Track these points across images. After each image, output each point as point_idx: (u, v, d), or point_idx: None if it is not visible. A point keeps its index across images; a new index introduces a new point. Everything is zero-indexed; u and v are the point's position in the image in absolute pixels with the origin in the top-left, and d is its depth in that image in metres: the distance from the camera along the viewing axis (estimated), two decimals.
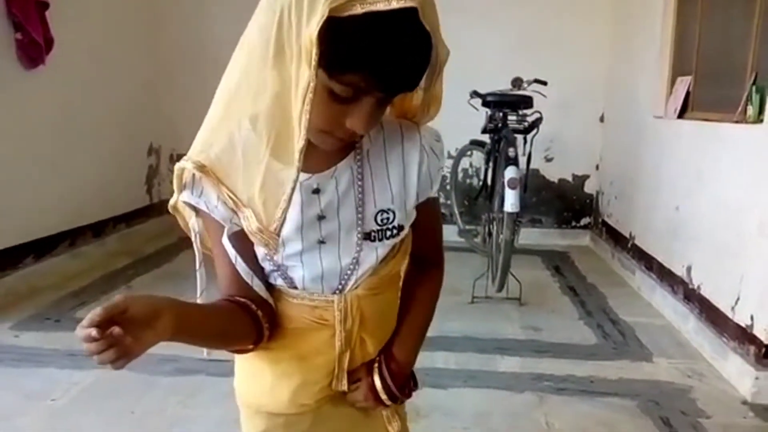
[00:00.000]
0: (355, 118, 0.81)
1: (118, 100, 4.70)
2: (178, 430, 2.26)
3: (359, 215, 0.93)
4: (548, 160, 5.17)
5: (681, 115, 3.62)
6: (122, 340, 0.69)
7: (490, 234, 3.91)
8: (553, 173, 5.23)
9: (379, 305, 1.01)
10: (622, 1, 4.81)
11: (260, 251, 0.94)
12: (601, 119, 5.16)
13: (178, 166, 0.90)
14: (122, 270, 4.21)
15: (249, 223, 0.86)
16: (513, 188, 3.34)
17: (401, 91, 0.83)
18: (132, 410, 2.40)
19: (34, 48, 3.61)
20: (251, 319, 0.91)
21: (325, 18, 0.72)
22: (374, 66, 0.75)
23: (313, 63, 0.74)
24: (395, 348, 1.05)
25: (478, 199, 4.42)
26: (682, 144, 3.54)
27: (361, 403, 1.04)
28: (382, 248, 0.96)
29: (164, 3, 5.18)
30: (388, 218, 0.95)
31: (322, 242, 0.93)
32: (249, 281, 0.93)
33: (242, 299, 0.92)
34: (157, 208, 5.29)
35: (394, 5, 0.73)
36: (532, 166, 4.07)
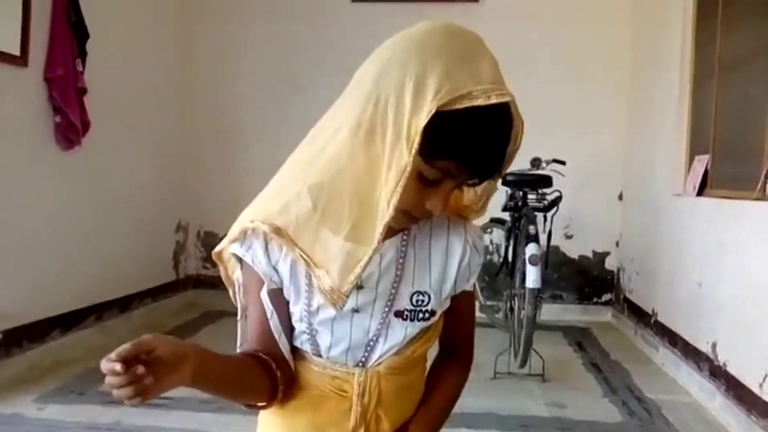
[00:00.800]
0: (435, 200, 0.88)
1: (148, 179, 4.86)
2: None
3: (393, 290, 0.97)
4: (568, 237, 5.20)
5: (700, 192, 3.66)
6: (143, 379, 0.73)
7: (512, 309, 3.92)
8: (573, 250, 5.26)
9: (399, 386, 1.02)
10: (638, 81, 4.95)
11: (298, 312, 0.96)
12: (620, 197, 5.21)
13: (248, 225, 0.93)
14: None
15: (322, 282, 0.89)
16: (534, 264, 3.38)
17: (486, 176, 0.90)
18: None
19: (71, 130, 3.79)
20: (269, 377, 0.94)
21: (432, 112, 0.80)
22: (469, 155, 0.84)
23: (414, 150, 0.81)
24: (412, 425, 1.04)
25: (499, 275, 4.45)
26: (702, 221, 3.57)
27: None
28: (411, 328, 0.98)
29: (194, 83, 5.41)
30: (422, 300, 0.98)
31: (355, 311, 0.96)
32: (277, 338, 0.96)
33: (264, 356, 0.95)
34: (183, 284, 5.38)
35: (493, 101, 0.81)
36: (553, 243, 4.10)
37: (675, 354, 3.79)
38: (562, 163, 3.98)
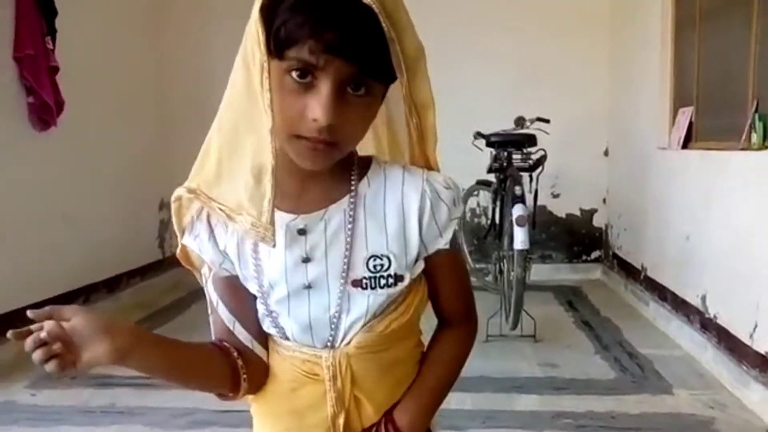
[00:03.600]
0: (313, 104, 0.77)
1: (128, 158, 4.78)
2: None
3: (346, 258, 0.88)
4: (555, 196, 5.19)
5: (685, 145, 3.65)
6: (50, 344, 0.73)
7: (501, 272, 3.91)
8: (560, 209, 5.25)
9: (379, 365, 0.93)
10: (620, 35, 4.90)
11: (257, 294, 0.91)
12: (606, 153, 5.20)
13: (173, 197, 0.91)
14: (136, 324, 4.21)
15: (243, 224, 0.83)
16: (521, 225, 3.36)
17: (352, 60, 0.76)
18: None
19: (45, 110, 3.70)
20: (228, 365, 0.90)
21: None
22: (314, 31, 0.74)
23: (261, 40, 0.76)
24: (396, 411, 0.96)
25: (487, 238, 4.43)
26: (688, 174, 3.56)
27: None
28: (374, 297, 0.89)
29: (171, 62, 5.31)
30: (382, 265, 0.88)
31: (308, 287, 0.89)
32: (231, 327, 0.92)
33: (225, 344, 0.92)
34: (169, 262, 5.32)
35: None
36: (539, 202, 4.09)
37: (665, 308, 3.81)
38: (546, 121, 3.94)
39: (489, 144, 3.96)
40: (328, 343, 0.91)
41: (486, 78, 4.98)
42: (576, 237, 5.30)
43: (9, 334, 0.74)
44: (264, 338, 0.94)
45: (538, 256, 5.11)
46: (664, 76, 4.00)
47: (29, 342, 0.73)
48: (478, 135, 4.00)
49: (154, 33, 5.21)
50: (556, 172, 4.91)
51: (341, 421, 0.93)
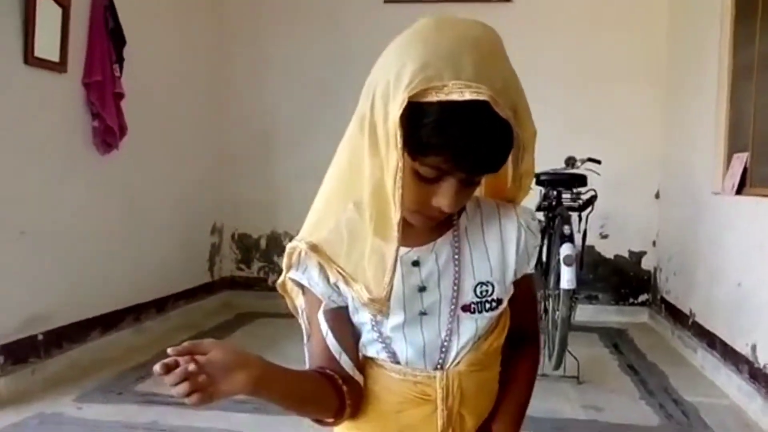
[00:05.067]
0: (440, 197, 0.87)
1: (184, 182, 4.94)
2: None
3: (455, 286, 0.97)
4: (603, 236, 5.14)
5: (739, 191, 3.58)
6: (196, 376, 0.75)
7: (545, 311, 3.88)
8: (609, 250, 5.19)
9: (480, 382, 1.01)
10: (675, 78, 4.87)
11: (368, 323, 0.98)
12: (657, 195, 5.13)
13: (290, 246, 0.97)
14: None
15: (360, 295, 0.91)
16: (569, 265, 3.34)
17: (483, 173, 0.89)
18: None
19: (109, 134, 3.87)
20: (335, 392, 0.94)
21: (405, 104, 0.80)
22: (452, 150, 0.82)
23: (399, 145, 0.82)
24: (495, 425, 1.04)
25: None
26: (741, 220, 3.50)
27: None
28: (481, 320, 0.98)
29: (228, 89, 5.48)
30: (487, 290, 0.98)
31: (423, 314, 0.96)
32: (338, 357, 0.96)
33: (330, 372, 0.95)
34: (218, 285, 5.45)
35: (467, 97, 0.80)
36: (588, 242, 4.05)
37: (713, 356, 3.71)
38: (597, 162, 3.94)
39: (539, 183, 3.96)
40: (438, 365, 0.98)
41: (538, 118, 4.92)
42: (624, 279, 5.21)
43: (156, 367, 0.74)
44: (360, 366, 1.00)
45: (585, 296, 5.04)
46: (719, 121, 3.95)
47: (178, 374, 0.74)
48: None
49: (218, 65, 5.41)
50: (606, 213, 4.86)
51: None
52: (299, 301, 1.03)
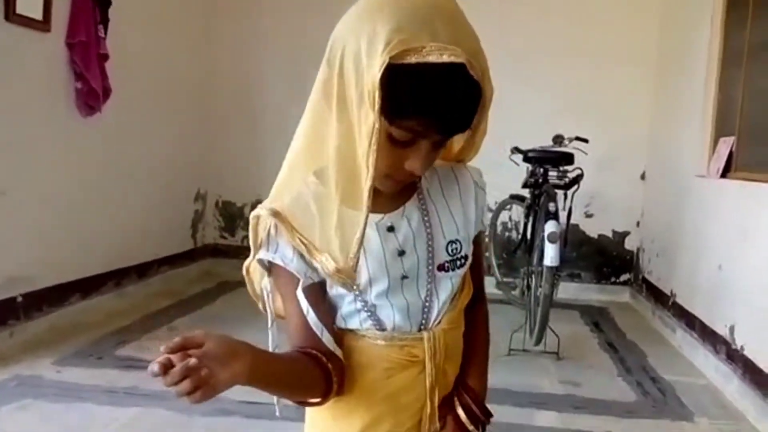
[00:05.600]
0: (413, 160, 0.88)
1: (167, 147, 4.88)
2: None
3: (430, 247, 0.99)
4: (588, 215, 5.16)
5: (724, 174, 3.60)
6: (198, 371, 0.70)
7: (528, 287, 3.90)
8: (593, 229, 5.21)
9: (456, 338, 1.06)
10: (665, 61, 4.87)
11: (350, 294, 0.97)
12: (642, 177, 5.15)
13: (252, 215, 0.95)
14: (164, 310, 4.29)
15: (326, 266, 0.90)
16: (553, 242, 3.35)
17: (456, 132, 0.91)
18: None
19: (92, 96, 3.79)
20: (321, 371, 0.93)
21: (385, 64, 0.79)
22: (430, 112, 0.82)
23: (377, 107, 0.81)
24: (470, 378, 1.08)
25: (517, 253, 4.42)
26: (725, 203, 3.52)
27: None
28: (455, 278, 1.01)
29: (215, 54, 5.40)
30: (456, 248, 1.01)
31: (404, 277, 0.98)
32: (319, 334, 0.94)
33: (313, 351, 0.93)
34: (201, 253, 5.42)
35: (445, 59, 0.80)
36: (573, 221, 4.07)
37: (692, 336, 3.76)
38: (585, 140, 3.93)
39: (526, 159, 3.96)
40: (422, 326, 1.00)
41: (528, 96, 4.94)
42: (606, 258, 5.25)
43: (153, 368, 0.69)
44: (338, 341, 0.98)
45: (567, 274, 5.07)
46: (707, 105, 3.96)
47: (179, 372, 0.69)
48: (516, 150, 4.00)
49: (206, 29, 5.32)
50: (592, 193, 4.88)
51: (437, 395, 1.02)
52: (264, 283, 1.00)
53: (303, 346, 0.94)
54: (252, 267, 1.02)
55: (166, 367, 0.70)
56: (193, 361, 0.70)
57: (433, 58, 0.80)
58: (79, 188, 3.89)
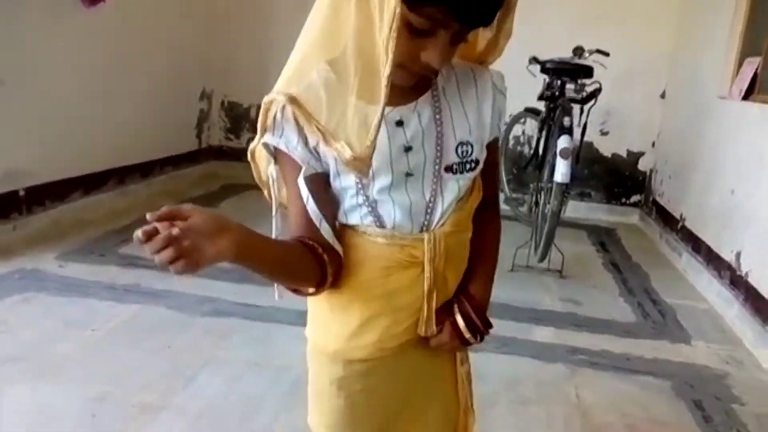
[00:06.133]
0: (430, 52, 0.84)
1: (174, 43, 4.73)
2: (209, 369, 2.30)
3: (438, 146, 0.95)
4: (604, 133, 5.03)
5: (746, 96, 3.46)
6: (180, 241, 0.71)
7: (536, 203, 3.84)
8: (607, 147, 5.10)
9: (461, 243, 1.04)
10: None
11: (352, 188, 0.95)
12: (662, 96, 4.98)
13: (266, 99, 0.91)
14: None
15: (342, 154, 0.86)
16: (565, 158, 3.26)
17: (477, 25, 0.86)
18: (168, 345, 2.45)
19: None
20: (316, 261, 0.92)
21: None
22: (458, 10, 0.79)
23: None
24: (472, 286, 1.07)
25: (528, 168, 4.33)
26: (744, 127, 3.40)
27: (447, 344, 1.06)
28: (462, 181, 0.98)
29: None
30: (467, 151, 0.97)
31: (409, 174, 0.95)
32: (318, 224, 0.94)
33: (310, 241, 0.93)
34: (205, 154, 5.36)
35: None
36: (587, 138, 3.95)
37: (697, 260, 3.72)
38: (606, 54, 3.76)
39: (543, 70, 3.80)
40: (424, 227, 0.98)
41: (548, 4, 4.73)
42: (618, 178, 5.16)
43: (137, 233, 0.69)
44: (338, 236, 0.98)
45: (577, 192, 5.01)
46: (735, 23, 3.76)
47: (159, 241, 0.70)
48: (534, 60, 3.84)
49: None
50: (609, 110, 4.75)
51: (434, 298, 1.01)
52: (270, 169, 0.98)
53: (301, 236, 0.94)
54: (258, 153, 1.00)
55: (151, 235, 0.70)
56: (176, 230, 0.71)
57: None
58: (82, 82, 3.79)
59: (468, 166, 0.98)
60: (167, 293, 2.92)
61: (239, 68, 5.27)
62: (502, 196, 4.67)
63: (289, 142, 0.92)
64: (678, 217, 4.23)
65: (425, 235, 0.98)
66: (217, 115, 5.43)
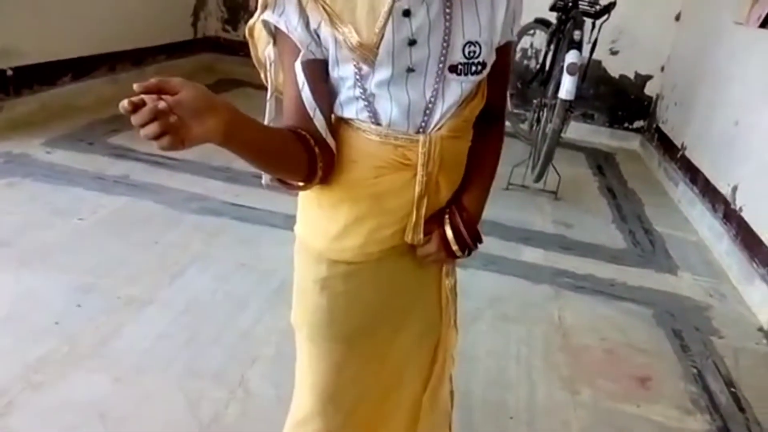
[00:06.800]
0: None
1: None
2: (197, 266, 2.30)
3: (445, 43, 0.89)
4: (613, 53, 4.88)
5: (764, 24, 3.32)
6: (167, 116, 0.67)
7: (538, 121, 3.76)
8: (615, 68, 4.96)
9: (457, 150, 0.99)
10: None
11: (350, 78, 0.90)
12: (677, 18, 4.80)
13: None
14: None
15: (348, 38, 0.82)
16: (572, 74, 3.14)
17: None
18: (155, 241, 2.44)
19: None
20: (306, 152, 0.88)
21: None
22: None
23: None
24: (465, 198, 1.03)
25: (533, 84, 4.21)
26: (756, 56, 3.29)
27: (433, 255, 1.02)
28: (466, 84, 0.93)
29: None
30: (474, 51, 0.91)
31: (411, 70, 0.89)
32: (311, 113, 0.89)
33: (302, 131, 0.88)
34: (201, 44, 5.18)
35: None
36: (596, 56, 3.81)
37: (693, 192, 3.70)
38: None
39: None
40: (420, 129, 0.93)
41: None
42: (623, 101, 5.05)
43: (123, 103, 0.65)
44: (333, 130, 0.94)
45: (580, 113, 4.92)
46: None
47: (145, 113, 0.66)
48: None
49: None
50: (621, 28, 4.59)
51: (425, 204, 0.97)
52: (268, 51, 0.92)
53: (294, 126, 0.89)
54: (258, 31, 0.93)
55: (137, 106, 0.66)
56: (162, 104, 0.66)
57: None
58: None
59: (474, 68, 0.92)
60: (156, 187, 2.88)
61: None
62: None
63: (290, 22, 0.86)
64: (679, 145, 4.17)
65: (420, 137, 0.93)
66: (214, 4, 5.21)
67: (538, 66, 4.26)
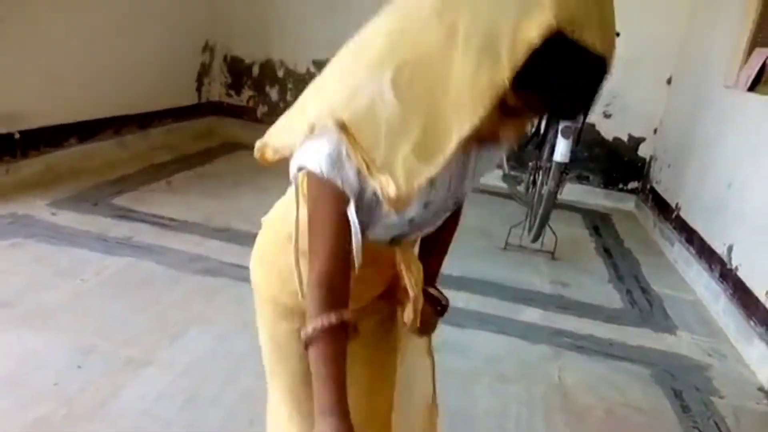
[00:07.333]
0: (510, 129, 0.81)
1: None
2: (197, 327, 2.31)
3: (460, 189, 0.97)
4: (607, 116, 5.00)
5: (752, 87, 3.43)
6: None
7: (534, 183, 3.83)
8: (609, 130, 5.07)
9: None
10: None
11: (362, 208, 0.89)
12: (669, 81, 4.94)
13: (317, 118, 0.82)
14: (163, 165, 4.25)
15: (385, 189, 0.79)
16: (566, 137, 3.23)
17: (565, 118, 0.84)
18: (157, 301, 2.45)
19: None
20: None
21: (552, 28, 0.69)
22: (562, 97, 0.75)
23: (516, 65, 0.70)
24: (428, 285, 1.12)
25: (527, 146, 4.29)
26: (747, 118, 3.38)
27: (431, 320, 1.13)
28: (448, 213, 1.03)
29: None
30: (461, 200, 1.03)
31: (412, 221, 0.96)
32: (355, 254, 0.86)
33: (342, 318, 0.86)
34: (205, 109, 5.30)
35: (602, 50, 0.71)
36: (589, 119, 3.91)
37: (689, 252, 3.73)
38: (616, 34, 3.70)
39: None
40: (394, 242, 1.01)
41: None
42: (617, 163, 5.15)
43: None
44: None
45: (575, 175, 5.00)
46: (747, 11, 3.70)
47: None
48: None
49: None
50: (614, 92, 4.72)
51: (420, 302, 1.05)
52: (294, 174, 0.87)
53: (327, 270, 0.85)
54: (270, 154, 0.93)
55: None
56: None
57: (591, 41, 0.70)
58: (84, 26, 3.73)
59: (455, 207, 1.03)
60: (159, 248, 2.91)
61: (243, 23, 5.18)
62: (500, 173, 4.65)
63: (346, 180, 0.82)
64: (674, 206, 4.23)
65: (394, 247, 1.00)
66: (218, 70, 5.36)
67: (533, 129, 4.35)
